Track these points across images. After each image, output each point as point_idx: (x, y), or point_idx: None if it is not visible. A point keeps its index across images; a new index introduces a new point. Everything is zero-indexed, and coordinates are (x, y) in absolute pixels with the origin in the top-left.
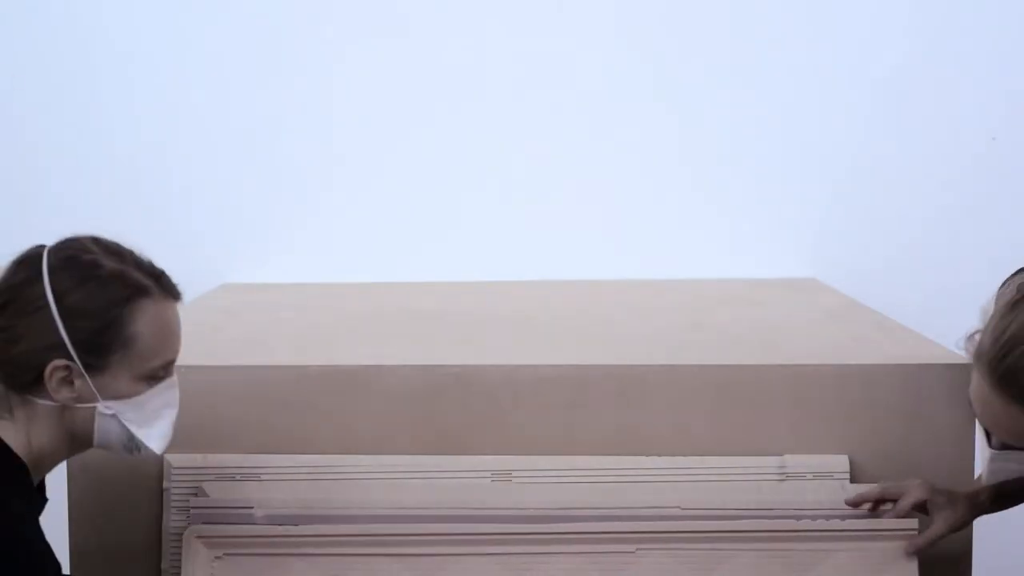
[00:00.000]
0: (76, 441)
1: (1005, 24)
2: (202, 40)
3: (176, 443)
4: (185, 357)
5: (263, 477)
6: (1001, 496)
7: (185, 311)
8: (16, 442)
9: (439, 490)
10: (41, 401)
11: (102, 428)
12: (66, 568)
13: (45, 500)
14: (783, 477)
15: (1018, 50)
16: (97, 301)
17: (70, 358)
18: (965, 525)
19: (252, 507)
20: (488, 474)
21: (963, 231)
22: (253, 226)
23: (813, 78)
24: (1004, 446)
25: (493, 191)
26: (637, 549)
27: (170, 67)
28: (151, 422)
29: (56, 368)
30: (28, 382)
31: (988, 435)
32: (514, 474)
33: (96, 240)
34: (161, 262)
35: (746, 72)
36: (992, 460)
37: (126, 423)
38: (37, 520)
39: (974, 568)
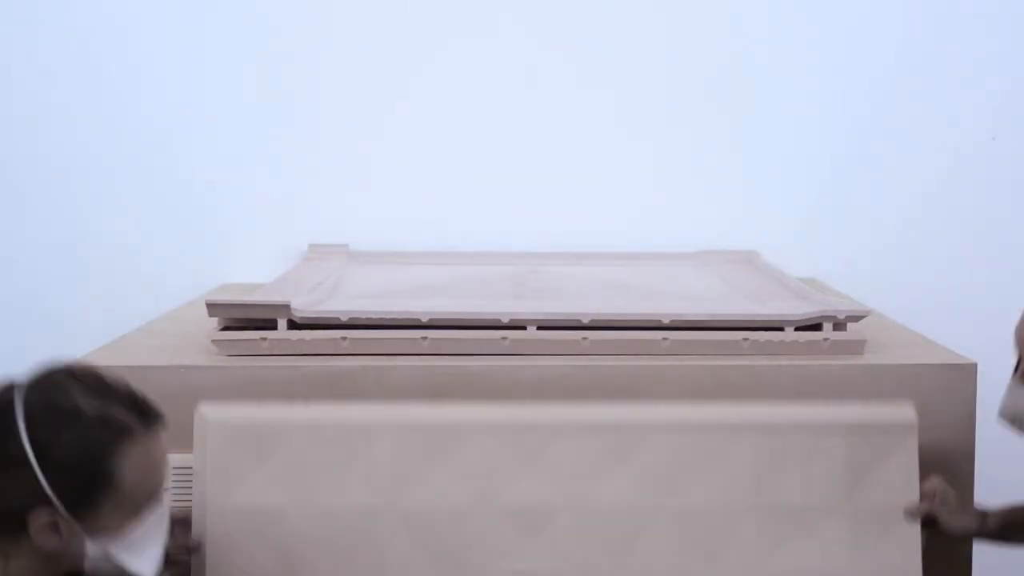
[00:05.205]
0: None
1: (1005, 23)
2: (206, 34)
3: (176, 443)
4: (186, 357)
5: None
6: (1007, 526)
7: (186, 310)
8: None
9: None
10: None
11: (92, 563)
12: None
13: None
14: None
15: (1018, 49)
16: (81, 452)
17: (55, 509)
18: (967, 533)
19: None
20: None
21: (964, 231)
22: (254, 224)
23: (810, 78)
24: None
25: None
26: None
27: (173, 63)
28: (141, 551)
29: (39, 518)
30: (10, 529)
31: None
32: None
33: (72, 373)
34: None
35: (745, 72)
36: (1011, 388)
37: (117, 558)
38: None
39: (974, 568)
